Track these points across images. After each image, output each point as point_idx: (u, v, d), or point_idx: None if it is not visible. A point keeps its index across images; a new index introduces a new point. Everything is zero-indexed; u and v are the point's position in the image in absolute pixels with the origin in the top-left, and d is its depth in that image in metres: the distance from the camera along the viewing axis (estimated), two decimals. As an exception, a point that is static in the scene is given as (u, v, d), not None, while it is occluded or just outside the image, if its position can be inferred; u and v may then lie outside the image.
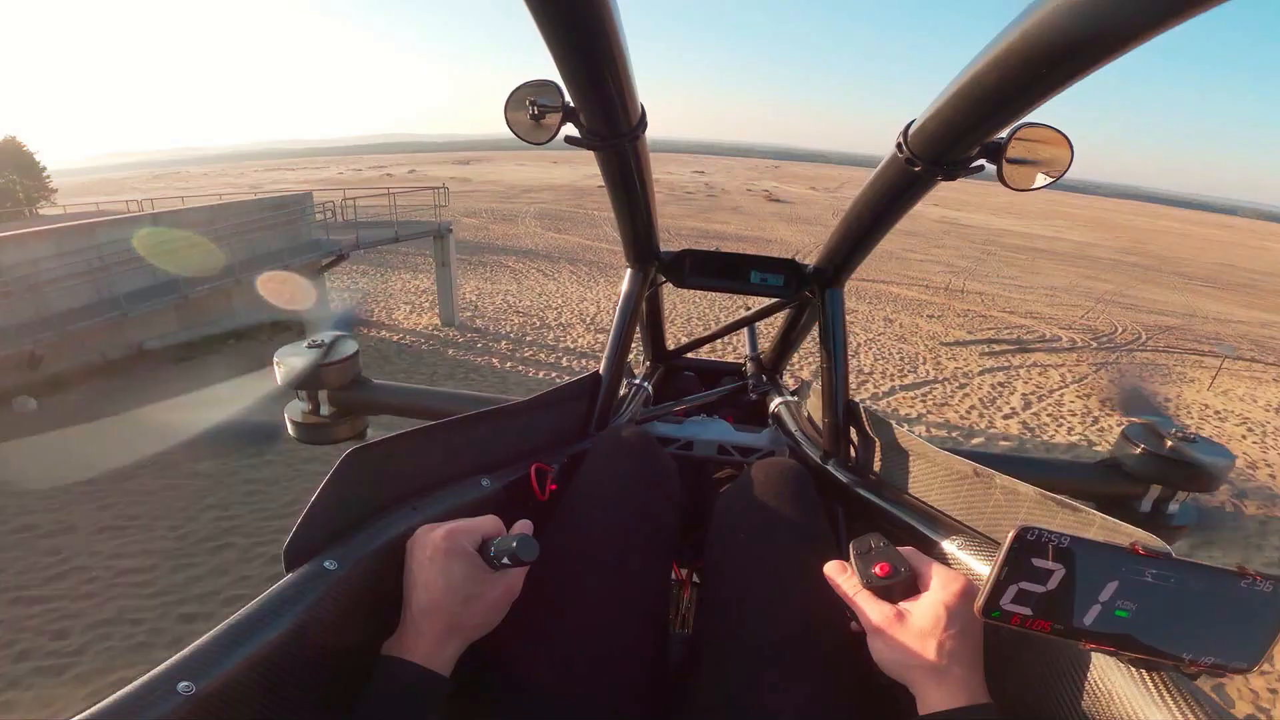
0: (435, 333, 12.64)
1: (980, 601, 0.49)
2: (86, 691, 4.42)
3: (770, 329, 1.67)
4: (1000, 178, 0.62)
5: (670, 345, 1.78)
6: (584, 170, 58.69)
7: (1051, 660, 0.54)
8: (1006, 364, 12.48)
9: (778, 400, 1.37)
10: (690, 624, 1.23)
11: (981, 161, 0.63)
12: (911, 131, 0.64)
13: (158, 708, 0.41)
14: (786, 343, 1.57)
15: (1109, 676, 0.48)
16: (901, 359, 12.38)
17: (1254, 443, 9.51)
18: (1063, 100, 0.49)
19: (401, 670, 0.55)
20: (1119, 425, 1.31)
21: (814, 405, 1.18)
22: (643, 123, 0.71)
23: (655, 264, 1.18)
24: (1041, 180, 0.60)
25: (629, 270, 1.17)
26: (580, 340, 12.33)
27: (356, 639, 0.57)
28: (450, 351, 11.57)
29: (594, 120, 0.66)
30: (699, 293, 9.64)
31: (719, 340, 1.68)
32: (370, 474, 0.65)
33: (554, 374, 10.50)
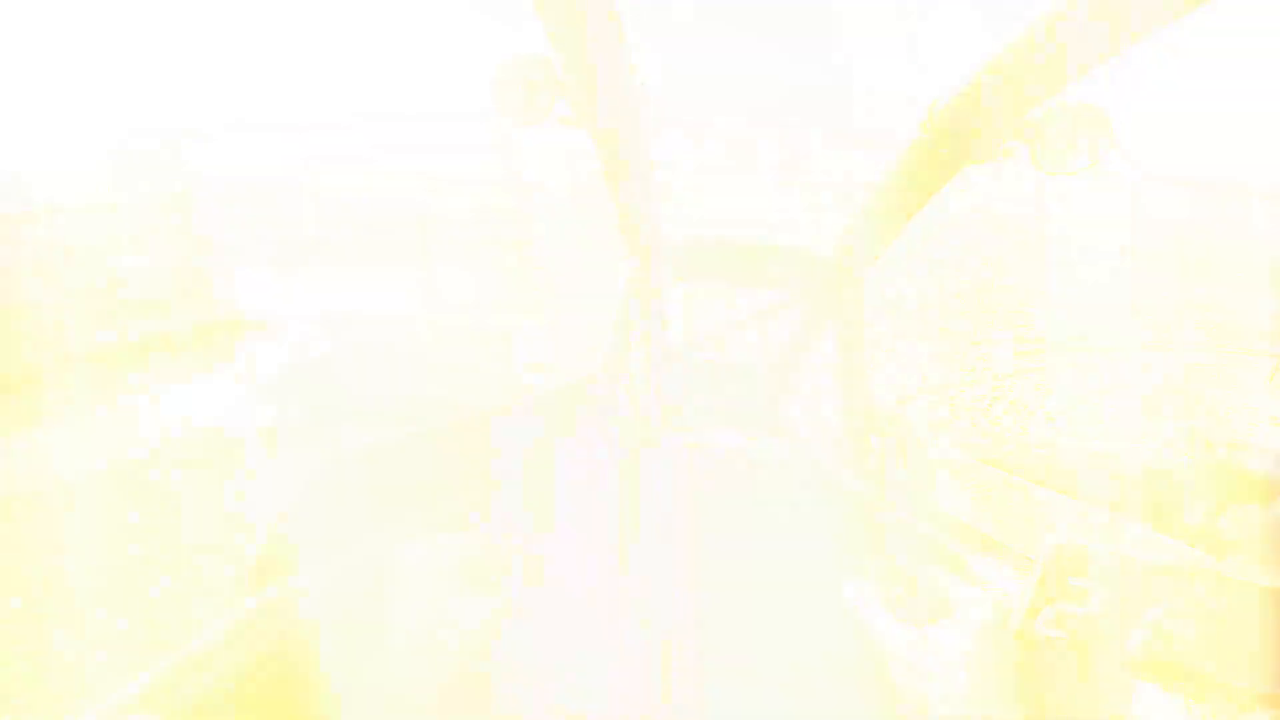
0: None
1: (1014, 624, 0.49)
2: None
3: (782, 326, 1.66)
4: (1034, 160, 0.62)
5: (673, 344, 1.77)
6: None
7: (1090, 687, 0.54)
8: (1043, 363, 12.48)
9: (791, 403, 1.37)
10: (692, 643, 1.23)
11: (1014, 143, 0.63)
12: (937, 110, 0.64)
13: None
14: (801, 339, 1.57)
15: (1154, 704, 0.48)
16: (927, 358, 12.37)
17: (1314, 450, 9.50)
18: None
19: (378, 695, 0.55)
20: (1167, 430, 1.31)
21: (831, 409, 1.18)
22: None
23: (657, 254, 1.18)
24: (1080, 163, 0.61)
25: (628, 262, 1.17)
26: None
27: (326, 666, 0.57)
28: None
29: (590, 97, 0.66)
30: (704, 286, 9.78)
31: (726, 339, 1.68)
32: (346, 487, 0.65)
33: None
